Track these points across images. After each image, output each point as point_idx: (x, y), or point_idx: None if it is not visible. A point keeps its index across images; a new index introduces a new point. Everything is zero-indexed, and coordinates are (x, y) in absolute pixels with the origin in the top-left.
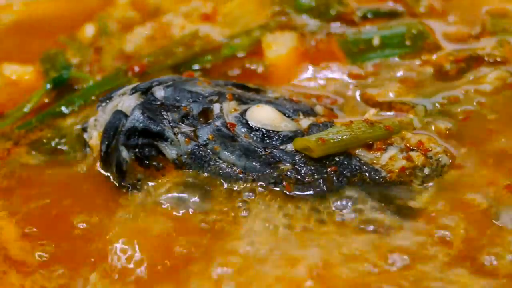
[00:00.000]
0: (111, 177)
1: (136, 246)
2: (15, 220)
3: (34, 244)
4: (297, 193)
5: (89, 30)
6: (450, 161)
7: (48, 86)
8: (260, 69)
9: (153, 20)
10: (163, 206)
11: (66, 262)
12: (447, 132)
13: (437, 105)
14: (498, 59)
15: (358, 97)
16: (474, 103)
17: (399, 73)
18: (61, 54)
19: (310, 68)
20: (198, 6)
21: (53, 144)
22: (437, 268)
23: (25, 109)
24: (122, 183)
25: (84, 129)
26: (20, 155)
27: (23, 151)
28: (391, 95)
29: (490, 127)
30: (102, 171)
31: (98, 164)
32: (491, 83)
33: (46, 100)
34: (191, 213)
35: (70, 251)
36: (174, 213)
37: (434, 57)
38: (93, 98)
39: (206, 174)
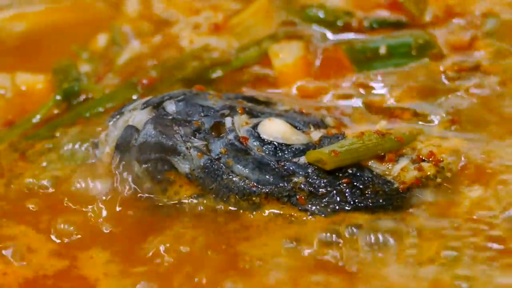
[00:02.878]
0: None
1: None
2: None
3: None
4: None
5: (101, 40)
6: (461, 170)
7: (58, 97)
8: (267, 78)
9: (162, 32)
10: None
11: None
12: (456, 140)
13: (442, 113)
14: (497, 66)
15: (365, 106)
16: (477, 110)
17: (405, 82)
18: (73, 65)
19: (317, 76)
20: (209, 17)
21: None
22: None
23: (34, 120)
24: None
25: (95, 145)
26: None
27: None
28: (397, 103)
29: (495, 133)
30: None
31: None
32: (491, 90)
33: (56, 111)
34: None
35: None
36: None
37: (439, 66)
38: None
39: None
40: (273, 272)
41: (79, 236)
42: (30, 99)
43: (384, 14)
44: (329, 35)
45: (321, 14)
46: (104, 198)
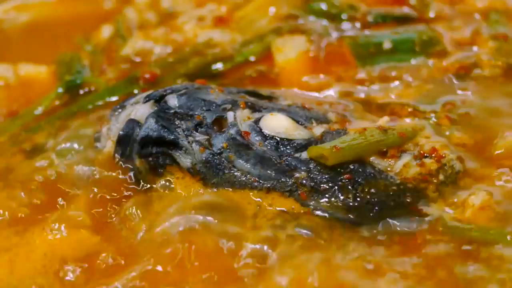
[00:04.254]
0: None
1: None
2: None
3: None
4: None
5: (106, 31)
6: (463, 167)
7: (60, 90)
8: (270, 73)
9: (166, 25)
10: None
11: None
12: (458, 137)
13: (444, 110)
14: (499, 63)
15: (367, 102)
16: (478, 108)
17: (407, 78)
18: (76, 58)
19: (320, 71)
20: (212, 10)
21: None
22: None
23: (36, 112)
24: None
25: (97, 139)
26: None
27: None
28: (398, 99)
29: (494, 130)
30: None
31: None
32: (493, 86)
33: (57, 102)
34: None
35: None
36: None
37: (441, 62)
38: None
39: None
40: None
41: None
42: (33, 90)
43: (388, 8)
44: (333, 29)
45: (325, 8)
46: (105, 191)
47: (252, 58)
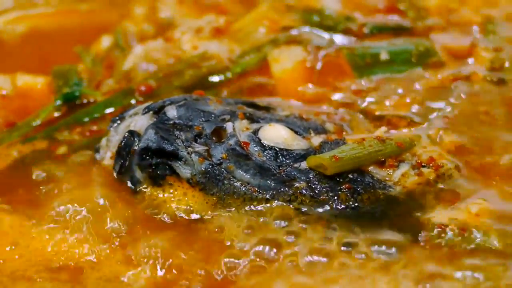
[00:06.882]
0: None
1: None
2: None
3: None
4: None
5: (105, 42)
6: (461, 176)
7: (58, 102)
8: (267, 84)
9: (164, 36)
10: None
11: None
12: (456, 147)
13: (440, 121)
14: (494, 79)
15: (364, 113)
16: (474, 119)
17: (404, 89)
18: (74, 70)
19: (317, 81)
20: (211, 21)
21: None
22: None
23: (34, 124)
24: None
25: (96, 150)
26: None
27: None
28: (394, 110)
29: (490, 140)
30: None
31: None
32: (488, 98)
33: (56, 114)
34: None
35: None
36: None
37: (437, 74)
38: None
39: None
40: None
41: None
42: (30, 101)
43: (384, 19)
44: (330, 40)
45: (321, 19)
46: (104, 203)
47: (249, 69)
